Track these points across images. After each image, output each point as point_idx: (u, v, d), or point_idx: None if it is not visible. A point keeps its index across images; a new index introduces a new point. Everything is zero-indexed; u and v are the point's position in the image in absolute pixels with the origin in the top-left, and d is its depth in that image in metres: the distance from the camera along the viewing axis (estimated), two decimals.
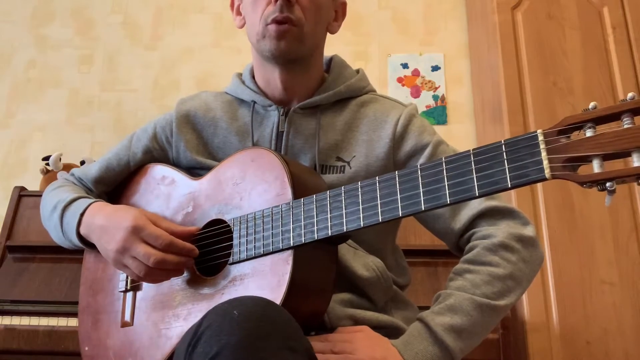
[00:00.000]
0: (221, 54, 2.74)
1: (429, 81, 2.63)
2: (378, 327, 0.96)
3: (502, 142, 0.67)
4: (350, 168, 1.03)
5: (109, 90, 2.72)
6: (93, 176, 1.15)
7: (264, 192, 0.90)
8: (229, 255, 0.92)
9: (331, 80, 1.11)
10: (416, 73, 2.65)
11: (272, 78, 1.08)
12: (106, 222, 0.98)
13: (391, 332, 0.99)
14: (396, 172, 0.76)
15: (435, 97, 2.60)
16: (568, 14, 2.17)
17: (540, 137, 0.64)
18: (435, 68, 2.65)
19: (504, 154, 0.66)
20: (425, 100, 2.60)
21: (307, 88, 1.09)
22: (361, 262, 1.00)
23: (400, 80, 2.64)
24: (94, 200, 1.07)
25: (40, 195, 2.06)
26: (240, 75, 1.18)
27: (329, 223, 0.81)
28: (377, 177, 0.78)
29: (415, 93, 2.61)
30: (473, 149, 0.70)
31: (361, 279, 0.98)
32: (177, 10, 2.84)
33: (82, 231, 1.04)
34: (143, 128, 1.17)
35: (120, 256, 0.94)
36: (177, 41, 2.78)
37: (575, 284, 1.84)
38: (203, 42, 2.77)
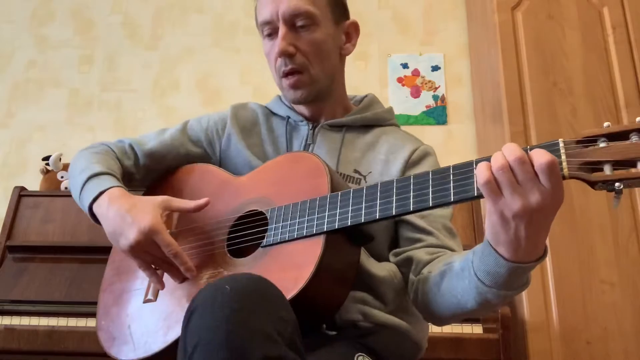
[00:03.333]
0: (221, 54, 2.74)
1: (429, 81, 2.63)
2: (385, 327, 1.00)
3: (528, 147, 0.75)
4: (366, 182, 1.10)
5: (109, 90, 2.72)
6: (148, 148, 1.19)
7: (304, 190, 0.96)
8: (262, 238, 0.96)
9: (361, 108, 1.21)
10: (416, 73, 2.65)
11: (299, 108, 1.21)
12: (121, 216, 1.00)
13: (397, 333, 1.02)
14: (430, 170, 0.84)
15: (435, 97, 2.60)
16: (568, 14, 2.16)
17: (561, 144, 0.74)
18: (435, 68, 2.65)
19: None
20: (425, 100, 2.60)
21: (332, 111, 1.19)
22: (377, 266, 1.04)
23: (400, 80, 2.64)
24: (117, 184, 1.07)
25: (41, 196, 2.10)
26: (279, 95, 1.27)
27: (363, 212, 0.88)
28: (411, 175, 0.86)
29: (415, 93, 2.61)
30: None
31: (376, 277, 1.01)
32: (177, 10, 2.84)
33: (97, 209, 1.04)
34: (197, 119, 1.25)
35: (129, 251, 0.98)
36: (177, 41, 2.78)
37: (575, 284, 1.84)
38: (203, 42, 2.77)
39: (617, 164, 0.71)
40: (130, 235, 0.97)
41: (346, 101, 1.23)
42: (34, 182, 2.37)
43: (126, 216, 0.99)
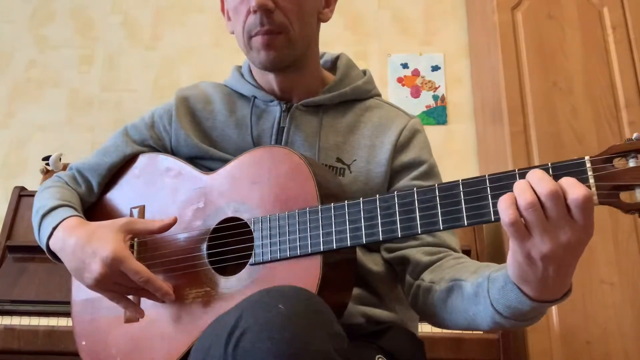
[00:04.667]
0: (221, 54, 2.74)
1: (429, 81, 2.63)
2: (390, 327, 0.98)
3: (549, 164, 0.68)
4: (351, 172, 1.02)
5: (109, 90, 2.72)
6: (91, 166, 1.10)
7: (287, 195, 0.88)
8: (245, 253, 0.90)
9: (337, 81, 1.09)
10: (416, 73, 2.65)
11: (268, 80, 1.07)
12: (80, 248, 0.92)
13: (398, 329, 1.00)
14: (436, 185, 0.77)
15: (435, 97, 2.60)
16: (568, 14, 2.17)
17: (588, 164, 0.66)
18: (435, 68, 2.65)
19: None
20: (425, 100, 2.60)
21: (306, 85, 1.07)
22: (369, 258, 1.01)
23: (400, 80, 2.64)
24: (71, 214, 1.00)
25: None
26: (239, 68, 1.15)
27: (363, 232, 0.81)
28: (415, 189, 0.78)
29: (415, 93, 2.61)
30: (519, 169, 0.70)
31: (371, 273, 0.99)
32: (177, 10, 2.84)
33: (54, 246, 0.98)
34: (141, 117, 1.14)
35: (96, 287, 0.92)
36: (177, 41, 2.78)
37: (575, 284, 1.81)
38: (203, 42, 2.77)
39: None
40: (93, 269, 0.89)
41: (320, 72, 1.11)
42: (34, 182, 2.36)
43: (86, 248, 0.91)
